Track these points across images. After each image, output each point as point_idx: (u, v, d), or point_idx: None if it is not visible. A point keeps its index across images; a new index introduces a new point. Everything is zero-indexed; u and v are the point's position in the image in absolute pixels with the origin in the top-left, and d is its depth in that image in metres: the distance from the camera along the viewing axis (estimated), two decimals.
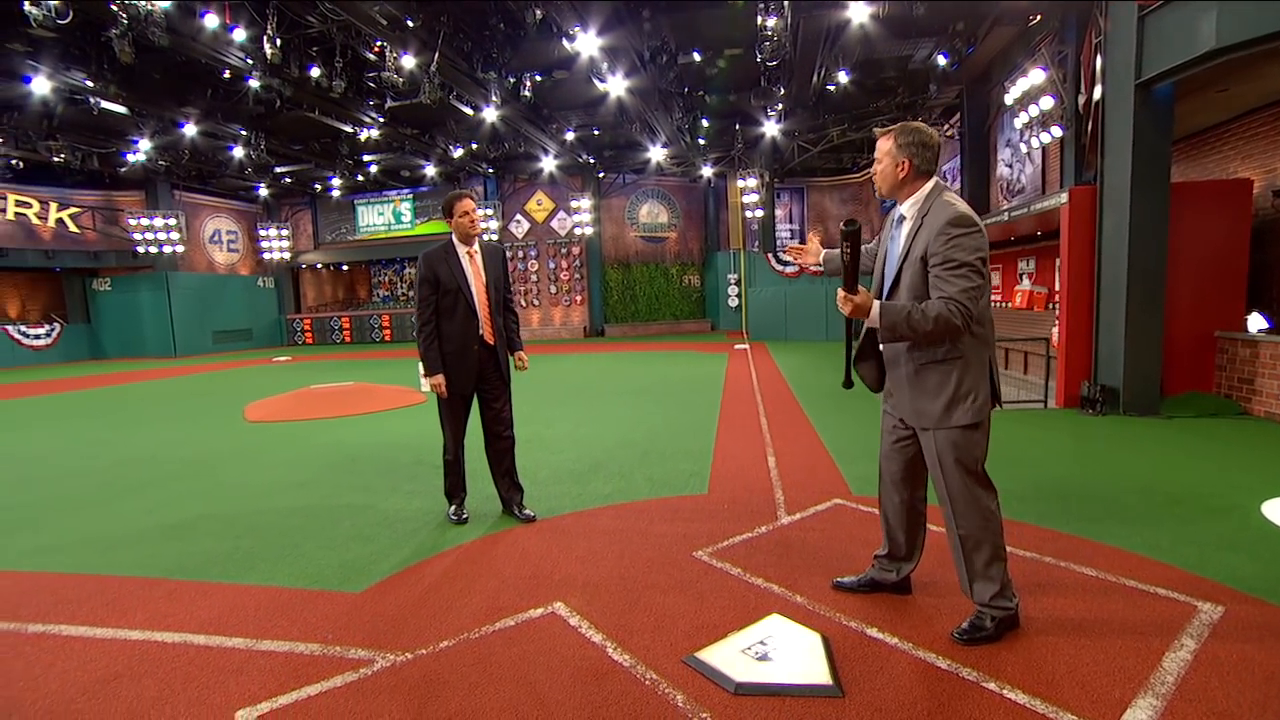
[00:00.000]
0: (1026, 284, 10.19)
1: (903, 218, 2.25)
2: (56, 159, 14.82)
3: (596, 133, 17.26)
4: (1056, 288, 7.43)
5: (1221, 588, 2.60)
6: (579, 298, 22.02)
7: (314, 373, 12.98)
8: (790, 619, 2.42)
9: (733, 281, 21.41)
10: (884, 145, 2.22)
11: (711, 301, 22.83)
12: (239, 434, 6.67)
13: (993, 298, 11.49)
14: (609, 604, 2.63)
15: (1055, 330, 7.05)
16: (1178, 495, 3.79)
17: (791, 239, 21.60)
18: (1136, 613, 2.41)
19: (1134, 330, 6.01)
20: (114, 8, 8.40)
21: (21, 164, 15.83)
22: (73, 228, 18.75)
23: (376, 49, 10.71)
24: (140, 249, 18.68)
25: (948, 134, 14.83)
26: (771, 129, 15.69)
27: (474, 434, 3.74)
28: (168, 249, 18.85)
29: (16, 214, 17.68)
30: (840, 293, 2.11)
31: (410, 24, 9.79)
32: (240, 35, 9.83)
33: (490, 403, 3.73)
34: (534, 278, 22.17)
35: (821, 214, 21.47)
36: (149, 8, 8.50)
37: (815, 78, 12.23)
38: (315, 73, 11.18)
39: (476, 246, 3.64)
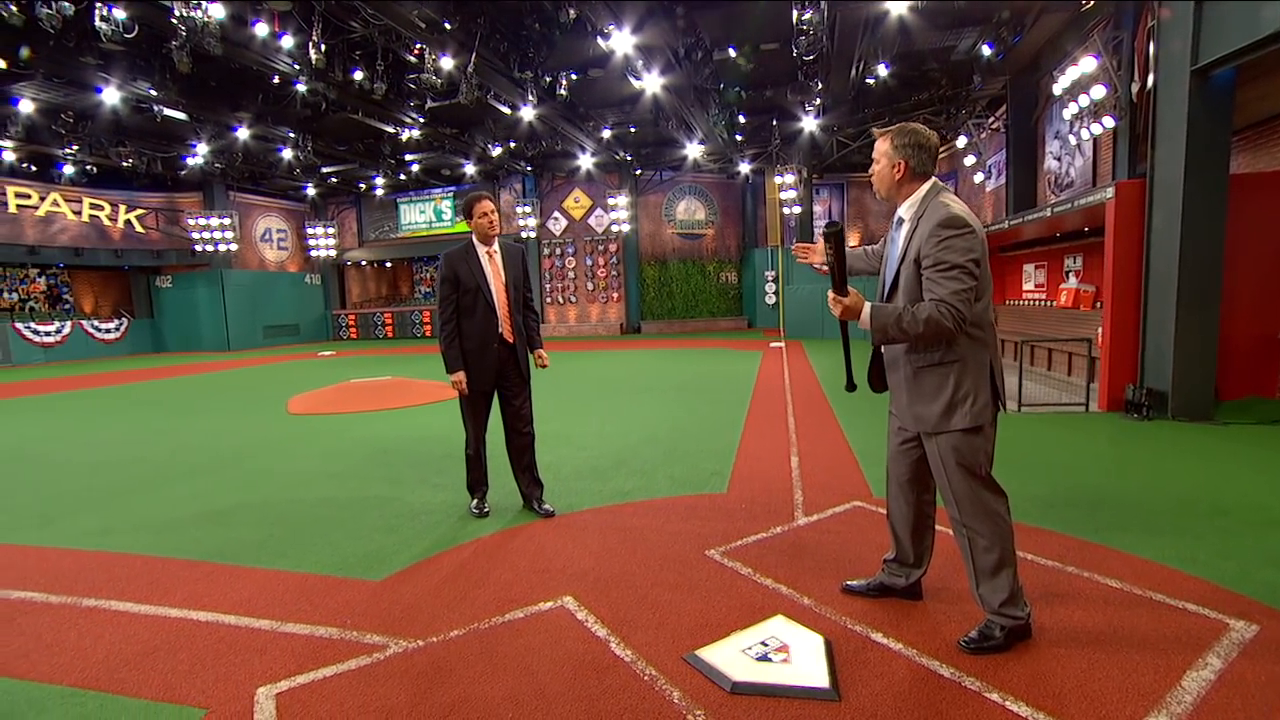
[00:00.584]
0: (1073, 282, 9.78)
1: (901, 220, 2.24)
2: (125, 164, 15.75)
3: (633, 130, 17.30)
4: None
5: (1259, 605, 2.47)
6: (616, 294, 22.14)
7: (356, 367, 13.42)
8: (794, 621, 2.41)
9: (770, 279, 21.18)
10: (881, 146, 2.21)
11: (749, 299, 22.64)
12: (281, 426, 6.96)
13: (1038, 297, 11.08)
14: (616, 599, 2.67)
15: (1100, 330, 6.76)
16: (1223, 506, 3.61)
17: None
18: (1160, 627, 2.32)
19: (1184, 331, 5.71)
20: (174, 20, 8.86)
21: (95, 169, 16.85)
22: (138, 228, 19.86)
23: (416, 51, 10.99)
24: (198, 248, 19.66)
25: (993, 126, 14.33)
26: (810, 124, 15.43)
27: (498, 430, 3.82)
28: (223, 247, 19.77)
29: (90, 216, 18.84)
30: (830, 294, 2.12)
31: (448, 26, 10.00)
32: (288, 42, 10.23)
33: (510, 400, 3.80)
34: (571, 275, 22.38)
35: (862, 210, 21.04)
36: (205, 19, 8.93)
37: (854, 71, 11.98)
38: (358, 76, 11.53)
39: (496, 246, 3.72)
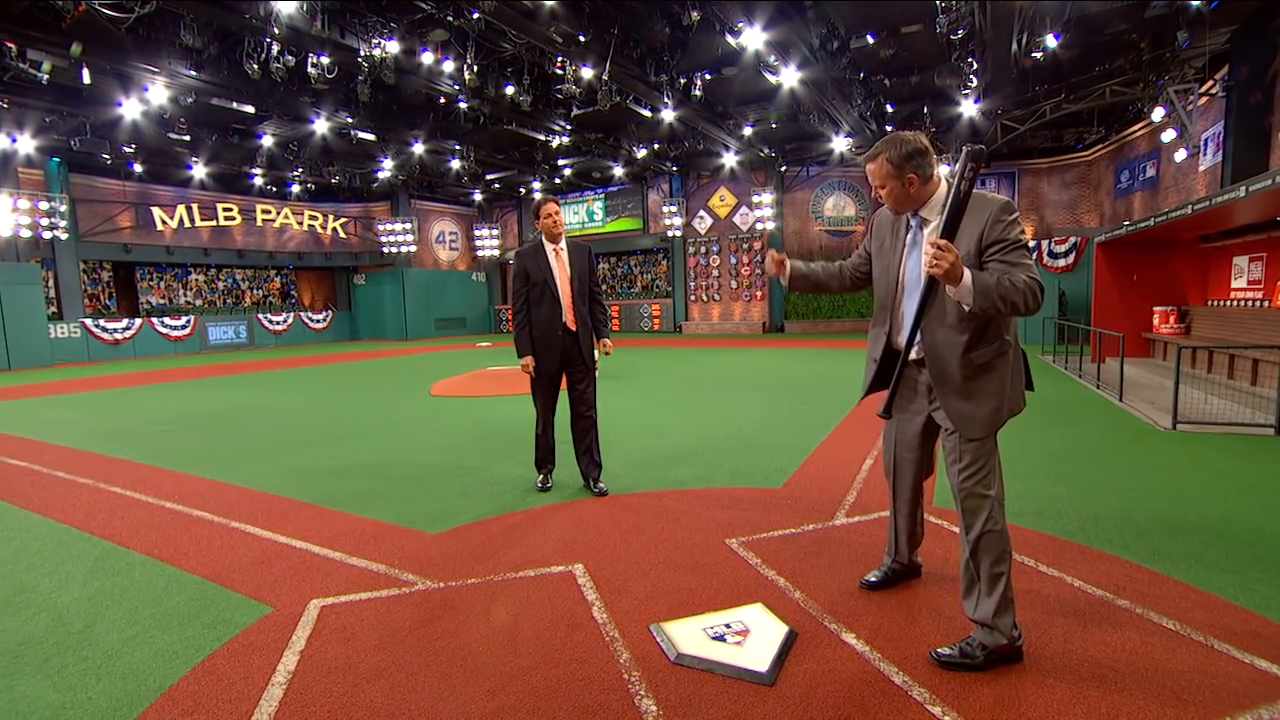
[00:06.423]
0: None
1: (924, 220, 2.14)
2: (333, 180, 18.84)
3: (774, 126, 16.99)
4: None
5: None
6: (759, 293, 21.90)
7: (499, 357, 14.77)
8: (772, 611, 2.42)
9: None
10: (879, 169, 2.11)
11: None
12: (420, 404, 7.99)
13: (1251, 296, 9.18)
14: (619, 571, 2.85)
15: None
16: None
17: None
18: (1200, 676, 1.99)
19: None
20: (359, 59, 10.50)
21: (312, 186, 20.34)
22: (342, 234, 23.56)
23: (559, 64, 11.83)
24: (385, 250, 22.81)
25: (1209, 92, 11.99)
26: (969, 109, 14.05)
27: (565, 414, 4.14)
28: (404, 249, 22.74)
29: (309, 225, 22.73)
30: (938, 241, 1.84)
31: (582, 39, 10.66)
32: (449, 66, 11.55)
33: (575, 384, 4.11)
34: (715, 273, 22.52)
35: (1037, 200, 18.67)
36: (383, 54, 10.47)
37: (1015, 46, 10.74)
38: (510, 90, 12.69)
39: (563, 244, 4.05)
